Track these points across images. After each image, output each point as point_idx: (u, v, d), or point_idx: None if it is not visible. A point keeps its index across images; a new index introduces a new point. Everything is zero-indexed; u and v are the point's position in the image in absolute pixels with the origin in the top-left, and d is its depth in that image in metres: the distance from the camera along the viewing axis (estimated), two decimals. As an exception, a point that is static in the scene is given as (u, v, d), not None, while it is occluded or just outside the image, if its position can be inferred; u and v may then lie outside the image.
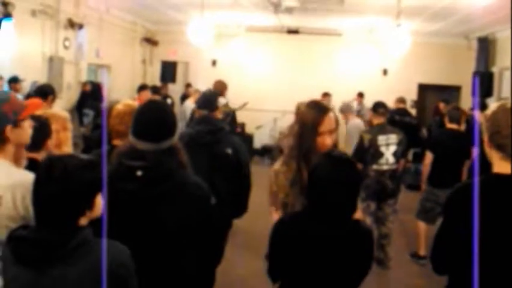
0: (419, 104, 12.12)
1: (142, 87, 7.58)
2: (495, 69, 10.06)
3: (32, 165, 2.13)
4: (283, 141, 5.27)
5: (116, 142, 2.58)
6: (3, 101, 1.84)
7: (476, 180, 1.75)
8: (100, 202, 1.62)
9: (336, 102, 7.81)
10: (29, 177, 1.71)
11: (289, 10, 8.37)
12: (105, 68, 10.73)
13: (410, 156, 9.29)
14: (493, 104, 1.92)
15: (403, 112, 8.38)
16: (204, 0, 7.71)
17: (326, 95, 9.97)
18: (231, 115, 6.30)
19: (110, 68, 10.76)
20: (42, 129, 2.38)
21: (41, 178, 1.55)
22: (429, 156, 5.26)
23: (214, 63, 12.47)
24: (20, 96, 5.16)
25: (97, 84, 9.57)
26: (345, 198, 1.96)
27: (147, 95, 7.22)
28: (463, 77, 11.10)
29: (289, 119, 6.87)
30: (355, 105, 10.64)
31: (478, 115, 5.37)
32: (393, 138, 4.84)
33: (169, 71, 11.41)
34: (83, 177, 1.54)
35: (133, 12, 10.59)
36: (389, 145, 4.81)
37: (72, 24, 8.74)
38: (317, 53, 11.98)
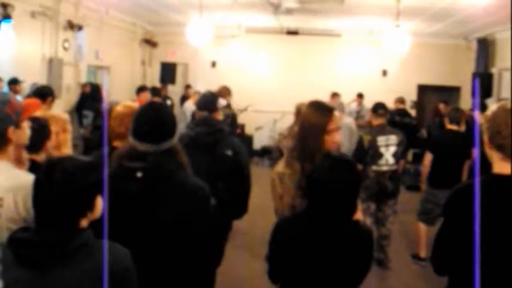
0: (418, 104, 12.12)
1: (142, 89, 7.58)
2: (494, 70, 10.06)
3: (31, 167, 2.13)
4: (283, 142, 5.28)
5: (116, 143, 2.58)
6: (5, 103, 1.84)
7: (477, 180, 1.75)
8: (100, 203, 1.61)
9: (329, 103, 7.81)
10: (30, 178, 1.70)
11: (289, 11, 8.38)
12: (105, 69, 10.73)
13: (409, 157, 9.31)
14: (493, 105, 1.92)
15: (403, 113, 8.39)
16: (203, 1, 7.71)
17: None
18: (231, 117, 6.30)
19: (109, 69, 10.75)
20: (42, 130, 2.38)
21: (41, 180, 1.54)
22: (428, 157, 5.27)
23: (213, 64, 12.48)
24: (19, 98, 5.18)
25: (96, 86, 9.56)
26: (345, 199, 1.96)
27: (146, 96, 7.22)
28: (463, 77, 11.12)
29: (288, 120, 6.87)
30: (354, 106, 10.68)
31: (477, 116, 5.37)
32: (392, 139, 4.85)
33: (168, 72, 11.40)
34: (83, 179, 1.54)
35: (132, 13, 10.59)
36: (388, 146, 4.81)
37: (71, 26, 8.73)
38: (317, 54, 11.98)
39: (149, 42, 12.41)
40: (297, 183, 2.28)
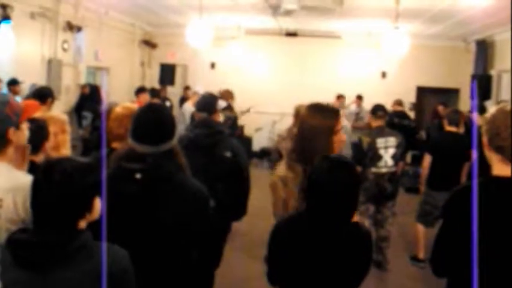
0: (417, 106, 12.13)
1: (141, 90, 7.58)
2: (493, 72, 10.07)
3: (30, 168, 2.13)
4: (282, 144, 5.28)
5: (115, 145, 2.57)
6: (4, 104, 1.84)
7: (475, 182, 1.75)
8: (98, 204, 1.61)
9: (334, 104, 7.81)
10: (30, 179, 1.70)
11: (288, 13, 8.38)
12: (104, 70, 10.73)
13: (408, 159, 9.31)
14: (492, 107, 1.92)
15: (402, 115, 8.39)
16: (203, 3, 7.71)
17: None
18: (232, 119, 6.31)
19: (108, 70, 10.75)
20: (40, 131, 2.37)
21: (40, 181, 1.54)
22: (427, 159, 5.27)
23: (213, 65, 12.48)
24: (19, 99, 5.17)
25: (95, 87, 9.56)
26: (344, 201, 1.95)
27: (146, 97, 7.22)
28: (461, 79, 11.13)
29: (288, 121, 6.87)
30: (354, 107, 10.69)
31: (476, 118, 5.38)
32: (391, 141, 4.85)
33: (167, 73, 11.40)
34: (82, 180, 1.54)
35: (131, 14, 10.59)
36: (387, 148, 4.81)
37: (71, 27, 8.73)
38: (316, 55, 11.99)
39: (149, 44, 12.41)
40: (300, 186, 2.28)
